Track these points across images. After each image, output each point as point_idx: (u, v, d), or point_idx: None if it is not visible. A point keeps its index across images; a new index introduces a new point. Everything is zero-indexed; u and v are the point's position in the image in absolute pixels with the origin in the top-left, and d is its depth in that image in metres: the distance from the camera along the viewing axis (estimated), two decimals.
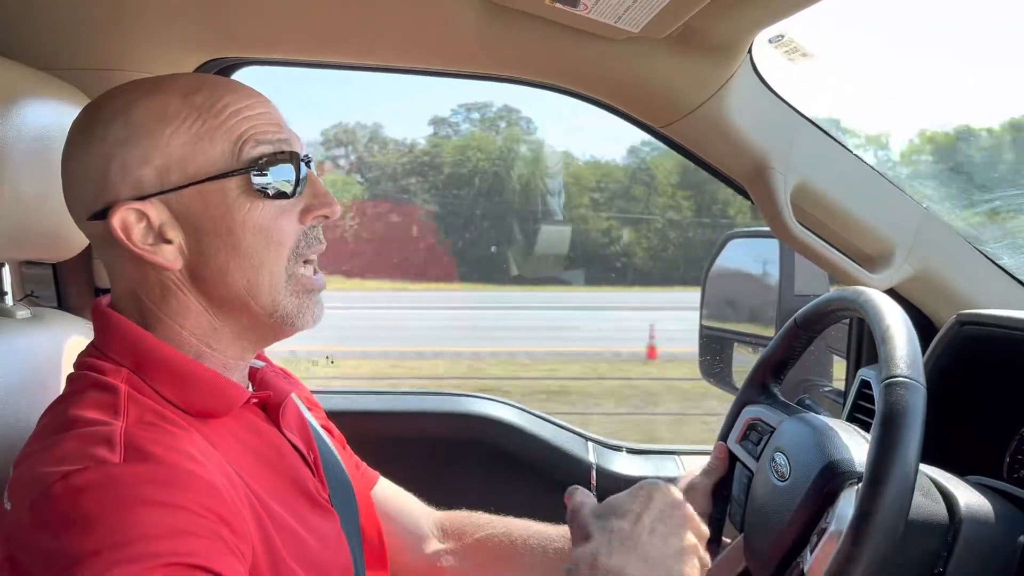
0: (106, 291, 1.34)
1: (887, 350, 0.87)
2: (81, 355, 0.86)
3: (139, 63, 1.30)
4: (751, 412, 1.17)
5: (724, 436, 1.19)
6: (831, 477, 0.92)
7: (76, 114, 1.10)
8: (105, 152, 0.82)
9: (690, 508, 0.86)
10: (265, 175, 0.83)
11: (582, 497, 0.87)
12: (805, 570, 0.88)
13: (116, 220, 0.81)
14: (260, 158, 0.83)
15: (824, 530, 0.88)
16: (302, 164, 0.86)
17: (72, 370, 0.85)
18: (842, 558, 0.79)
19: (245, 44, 1.39)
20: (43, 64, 1.12)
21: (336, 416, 1.15)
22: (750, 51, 1.28)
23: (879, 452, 0.80)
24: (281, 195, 0.84)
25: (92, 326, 1.16)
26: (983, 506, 0.91)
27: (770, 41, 1.24)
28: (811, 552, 0.89)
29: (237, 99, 0.84)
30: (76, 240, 1.13)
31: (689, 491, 1.14)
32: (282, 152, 0.84)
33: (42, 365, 1.04)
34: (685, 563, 0.80)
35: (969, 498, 0.91)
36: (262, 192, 0.83)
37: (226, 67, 1.44)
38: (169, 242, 0.83)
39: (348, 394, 1.85)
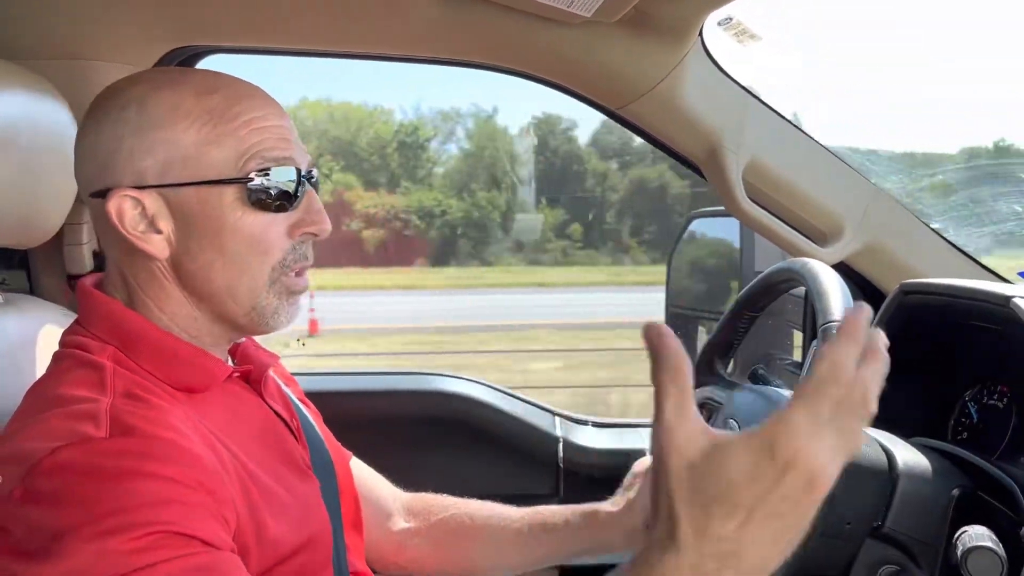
0: (78, 277, 1.36)
1: (823, 302, 0.92)
2: (66, 333, 0.88)
3: (105, 52, 1.32)
4: (700, 393, 1.21)
5: None
6: None
7: (42, 103, 1.12)
8: (116, 136, 0.84)
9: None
10: (263, 188, 0.85)
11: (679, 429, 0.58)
12: None
13: (112, 204, 0.83)
14: (261, 171, 0.85)
15: None
16: (302, 180, 0.88)
17: (46, 353, 0.88)
18: None
19: (210, 32, 1.40)
20: (7, 54, 1.13)
21: (308, 397, 1.17)
22: (701, 34, 1.32)
23: None
24: (275, 208, 0.86)
25: (64, 311, 1.20)
26: (920, 462, 0.96)
27: (719, 23, 1.28)
28: None
29: (252, 107, 0.86)
30: (47, 226, 1.15)
31: (644, 475, 1.18)
32: (283, 167, 0.86)
33: (15, 350, 1.05)
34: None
35: (907, 455, 0.96)
36: (256, 202, 0.85)
37: (192, 55, 1.45)
38: (159, 232, 0.85)
39: (318, 375, 1.88)
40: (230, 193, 0.84)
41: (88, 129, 0.86)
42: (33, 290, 1.39)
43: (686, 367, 0.58)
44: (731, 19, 1.26)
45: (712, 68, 1.36)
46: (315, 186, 0.92)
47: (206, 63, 1.48)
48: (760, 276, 1.16)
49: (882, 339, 0.61)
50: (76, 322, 0.89)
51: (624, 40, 1.27)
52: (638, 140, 1.50)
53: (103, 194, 0.84)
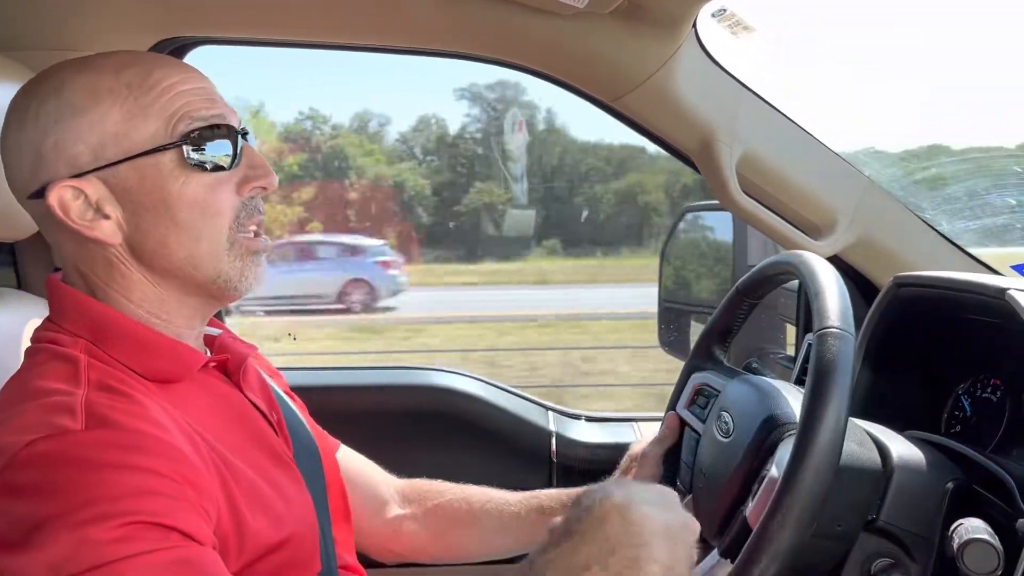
0: None
1: (819, 304, 0.91)
2: (38, 330, 0.88)
3: (90, 42, 1.30)
4: (698, 379, 1.21)
5: (674, 404, 1.23)
6: (771, 429, 0.97)
7: None
8: (40, 131, 0.83)
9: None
10: (199, 149, 0.84)
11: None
12: (747, 515, 0.93)
13: (53, 198, 0.82)
14: (192, 132, 0.84)
15: (764, 477, 0.93)
16: (238, 137, 0.87)
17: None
18: (778, 496, 0.83)
19: (198, 23, 1.39)
20: None
21: (297, 391, 1.17)
22: (695, 25, 1.31)
23: (813, 395, 0.85)
24: (216, 168, 0.86)
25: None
26: (915, 456, 0.96)
27: (713, 15, 1.27)
28: (753, 499, 0.94)
29: (169, 74, 0.85)
30: (31, 220, 1.14)
31: (641, 459, 1.18)
32: (216, 126, 0.85)
33: (1, 345, 1.05)
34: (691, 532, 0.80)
35: (901, 449, 0.96)
36: (197, 166, 0.84)
37: (180, 47, 1.44)
38: (107, 217, 0.84)
39: (309, 370, 1.87)
40: (168, 161, 0.84)
41: (9, 132, 0.85)
42: (20, 284, 1.38)
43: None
44: (725, 10, 1.25)
45: (706, 60, 1.35)
46: (248, 140, 0.91)
47: (195, 54, 1.47)
48: (760, 265, 1.15)
49: None
50: (48, 318, 0.89)
51: (617, 32, 1.27)
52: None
53: (40, 193, 0.83)
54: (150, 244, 0.85)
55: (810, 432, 0.83)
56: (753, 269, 1.16)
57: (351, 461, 1.19)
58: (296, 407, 1.09)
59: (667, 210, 15.62)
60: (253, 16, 1.37)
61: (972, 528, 0.85)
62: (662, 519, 0.76)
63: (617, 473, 1.18)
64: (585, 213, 16.79)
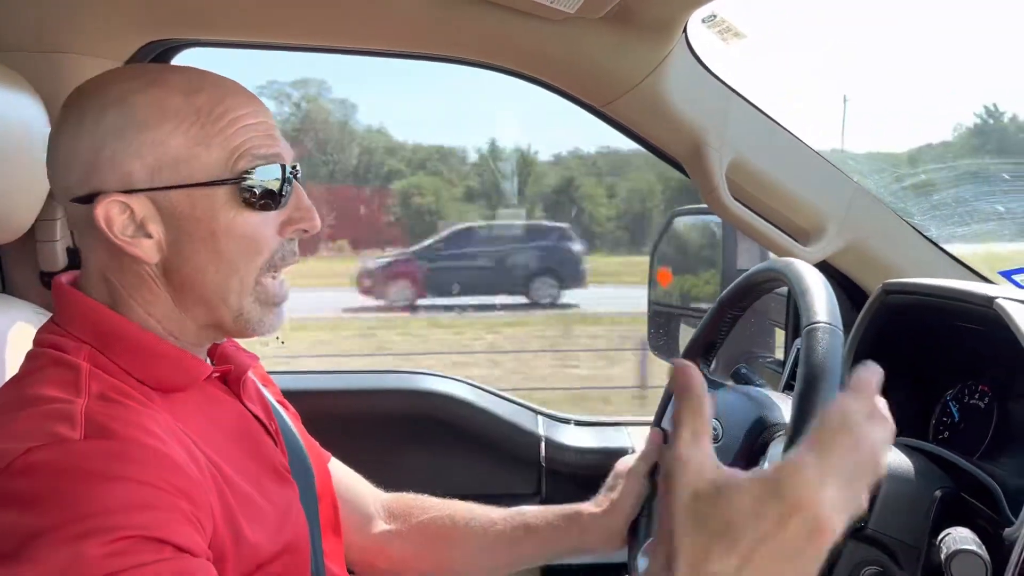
0: (51, 274, 1.34)
1: (806, 302, 0.92)
2: (40, 331, 0.87)
3: (79, 44, 1.29)
4: None
5: (658, 420, 1.22)
6: (761, 430, 0.98)
7: (13, 96, 1.10)
8: (98, 139, 0.81)
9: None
10: (253, 187, 0.84)
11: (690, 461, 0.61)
12: None
13: (100, 210, 0.81)
14: (252, 170, 0.84)
15: None
16: (291, 178, 0.88)
17: (17, 351, 0.86)
18: None
19: (188, 25, 1.38)
20: None
21: (287, 396, 1.16)
22: (685, 30, 1.31)
23: (805, 388, 0.85)
24: (266, 207, 0.85)
25: (36, 309, 1.18)
26: (903, 463, 0.96)
27: (703, 21, 1.27)
28: None
29: (238, 105, 0.84)
30: (19, 222, 1.13)
31: (627, 476, 1.18)
32: (272, 165, 0.85)
33: None
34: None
35: (890, 456, 0.96)
36: (249, 202, 0.84)
37: (169, 48, 1.43)
38: (149, 236, 0.83)
39: (298, 374, 1.87)
40: (222, 194, 0.83)
41: (64, 132, 0.84)
42: (5, 287, 1.37)
43: (707, 404, 0.60)
44: (715, 16, 1.25)
45: (696, 65, 1.35)
46: (300, 181, 0.91)
47: (184, 56, 1.46)
48: (743, 276, 1.15)
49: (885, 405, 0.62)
50: (51, 320, 0.88)
51: (608, 36, 1.27)
52: None
53: (88, 199, 0.82)
54: (187, 269, 0.85)
55: (802, 427, 0.83)
56: (737, 280, 1.16)
57: (339, 474, 1.18)
58: (288, 416, 1.08)
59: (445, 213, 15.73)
60: (241, 19, 1.37)
61: (960, 538, 0.86)
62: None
63: (603, 492, 1.18)
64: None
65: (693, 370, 0.61)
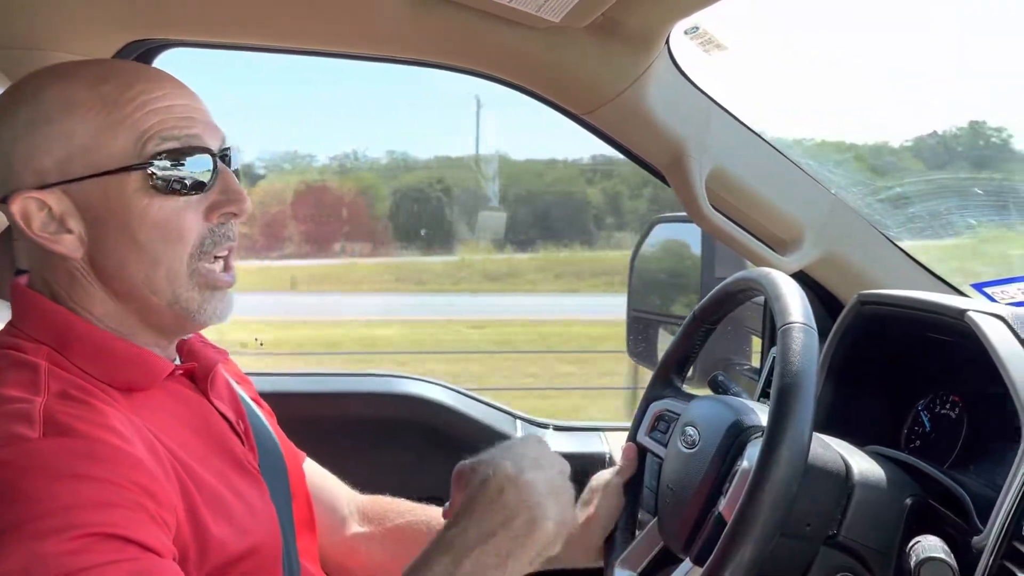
0: (27, 272, 1.33)
1: (780, 305, 0.94)
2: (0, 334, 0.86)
3: (59, 42, 1.28)
4: (657, 406, 1.21)
5: (633, 435, 1.23)
6: (738, 432, 0.99)
7: None
8: (11, 138, 0.81)
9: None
10: (167, 171, 0.82)
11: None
12: (721, 510, 0.94)
13: (16, 208, 0.81)
14: (162, 154, 0.82)
15: (735, 473, 0.95)
16: (215, 159, 0.85)
17: None
18: (754, 481, 0.85)
19: (170, 25, 1.37)
20: None
21: (264, 398, 1.16)
22: (668, 42, 1.32)
23: (782, 385, 0.87)
24: (185, 191, 0.83)
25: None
26: (875, 471, 0.98)
27: (686, 32, 1.28)
28: (725, 496, 0.95)
29: (148, 89, 0.83)
30: None
31: (603, 491, 1.18)
32: (188, 148, 0.83)
33: None
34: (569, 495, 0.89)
35: (862, 464, 0.98)
36: (163, 188, 0.82)
37: (151, 48, 1.42)
38: (70, 232, 0.82)
39: (276, 376, 1.86)
40: (133, 181, 0.82)
41: None
42: None
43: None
44: (698, 28, 1.26)
45: (678, 76, 1.37)
46: (229, 163, 0.88)
47: (165, 57, 1.45)
48: (717, 288, 1.16)
49: None
50: (9, 323, 0.87)
51: (592, 46, 1.27)
52: None
53: (7, 200, 0.82)
54: (110, 263, 0.84)
55: (782, 419, 0.85)
56: (712, 291, 1.17)
57: (314, 475, 1.18)
58: (264, 415, 1.08)
59: None
60: (224, 20, 1.36)
61: (929, 547, 0.87)
62: (545, 478, 0.85)
63: (579, 505, 1.18)
64: None
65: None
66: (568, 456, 1.70)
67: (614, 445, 1.74)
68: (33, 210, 0.81)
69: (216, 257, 0.87)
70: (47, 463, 0.70)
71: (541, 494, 0.83)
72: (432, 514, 1.19)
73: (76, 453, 0.71)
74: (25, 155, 0.81)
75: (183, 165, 0.83)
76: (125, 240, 0.83)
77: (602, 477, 1.20)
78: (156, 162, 0.82)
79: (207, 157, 0.85)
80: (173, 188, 0.83)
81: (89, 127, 0.81)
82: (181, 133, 0.83)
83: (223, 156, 0.87)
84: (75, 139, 0.81)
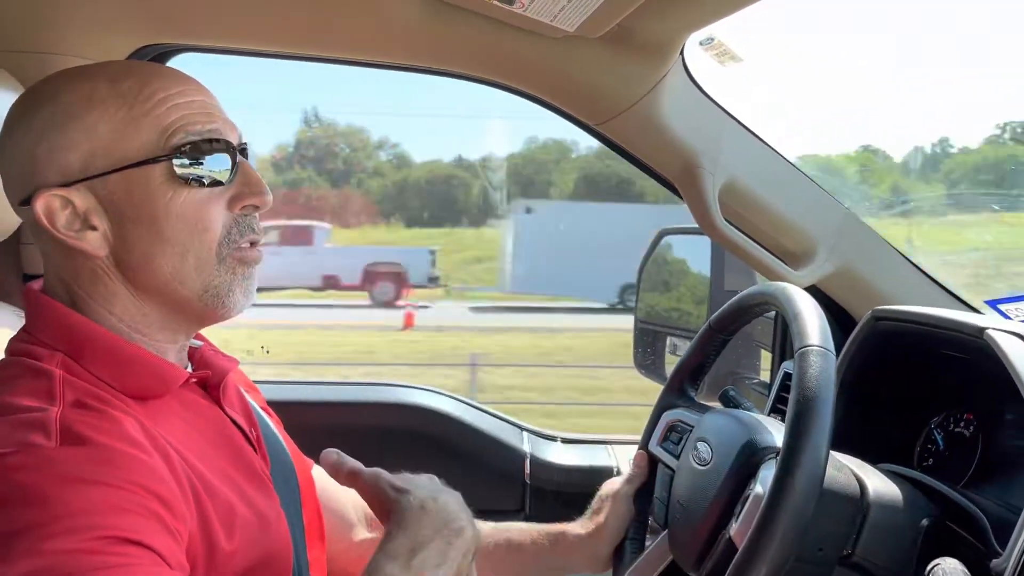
0: (35, 277, 1.32)
1: (799, 325, 0.92)
2: (12, 340, 0.85)
3: (72, 47, 1.28)
4: (671, 415, 1.21)
5: (645, 443, 1.22)
6: (751, 453, 0.97)
7: (4, 96, 1.08)
8: (33, 138, 0.81)
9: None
10: (190, 163, 0.83)
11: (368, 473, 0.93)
12: (732, 535, 0.92)
13: (40, 206, 0.80)
14: (185, 146, 0.82)
15: (748, 497, 0.93)
16: (234, 153, 0.86)
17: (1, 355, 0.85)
18: (766, 511, 0.83)
19: (182, 30, 1.38)
20: None
21: (271, 406, 1.15)
22: (682, 52, 1.32)
23: (797, 412, 0.85)
24: (209, 183, 0.84)
25: (20, 312, 1.15)
26: (890, 491, 0.96)
27: (701, 44, 1.28)
28: (736, 520, 0.93)
29: (167, 86, 0.84)
30: (3, 224, 1.11)
31: (612, 499, 1.17)
32: (210, 140, 0.84)
33: None
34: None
35: (878, 483, 0.96)
36: (187, 180, 0.83)
37: (163, 53, 1.42)
38: (94, 229, 0.82)
39: (283, 384, 1.85)
40: (157, 174, 0.82)
41: (7, 137, 0.84)
42: None
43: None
44: (713, 39, 1.26)
45: (692, 88, 1.36)
46: (247, 156, 0.89)
47: (177, 62, 1.45)
48: (733, 299, 1.15)
49: None
50: (23, 328, 0.86)
51: (606, 56, 1.27)
52: None
53: (29, 200, 0.81)
54: (135, 258, 0.83)
55: (796, 446, 0.84)
56: (727, 303, 1.16)
57: (321, 480, 1.17)
58: (272, 423, 1.07)
59: None
60: (236, 26, 1.36)
61: (949, 570, 0.86)
62: (453, 498, 0.91)
63: (588, 514, 1.18)
64: None
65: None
66: (575, 469, 1.73)
67: (621, 458, 1.73)
68: (57, 208, 0.81)
69: (241, 247, 0.88)
70: (62, 470, 0.69)
71: (456, 508, 0.89)
72: None
73: (92, 460, 0.70)
74: (48, 153, 0.81)
75: (205, 158, 0.84)
76: (151, 233, 0.83)
77: (612, 485, 1.19)
78: (180, 154, 0.82)
79: (229, 150, 0.86)
80: (196, 180, 0.83)
81: (112, 122, 0.81)
82: (203, 128, 0.84)
83: (241, 150, 0.88)
84: (99, 134, 0.81)
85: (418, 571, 0.81)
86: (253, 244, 0.89)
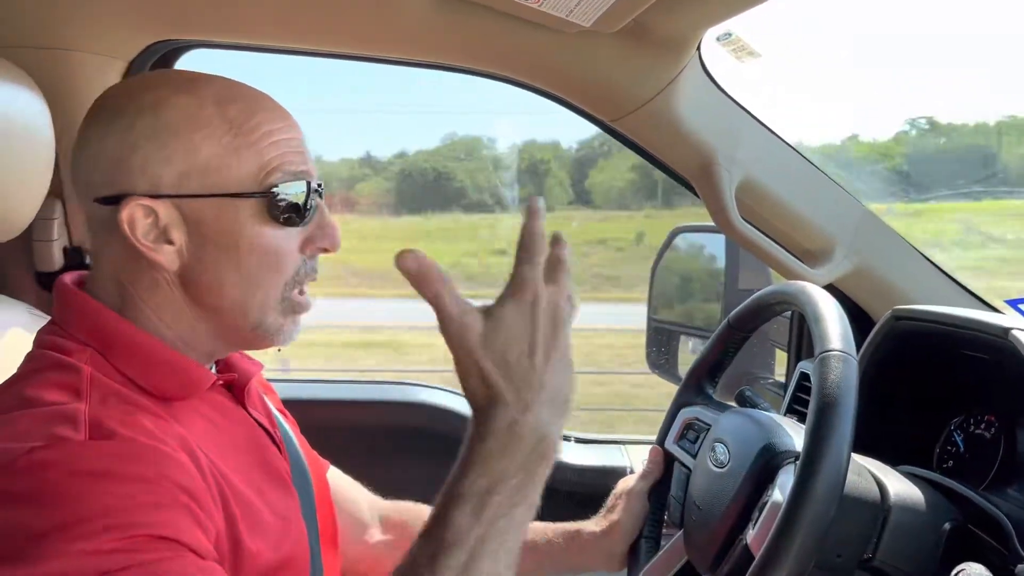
0: (46, 274, 1.32)
1: (820, 328, 0.91)
2: (41, 332, 0.85)
3: (84, 41, 1.28)
4: (688, 413, 1.20)
5: (661, 439, 1.21)
6: (770, 457, 0.96)
7: (16, 92, 1.08)
8: (129, 142, 0.81)
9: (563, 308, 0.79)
10: (282, 202, 0.84)
11: (463, 314, 0.76)
12: (748, 542, 0.91)
13: (125, 213, 0.80)
14: (280, 185, 0.83)
15: (765, 503, 0.92)
16: (317, 196, 0.87)
17: (9, 351, 0.85)
18: (784, 520, 0.82)
19: (194, 26, 1.37)
20: None
21: (285, 405, 1.15)
22: (699, 48, 1.30)
23: (818, 419, 0.84)
24: (290, 222, 0.85)
25: (30, 309, 1.15)
26: (912, 494, 0.95)
27: (718, 39, 1.26)
28: (753, 526, 0.92)
29: (270, 119, 0.84)
30: (17, 221, 1.11)
31: (627, 496, 1.17)
32: (301, 181, 0.85)
33: None
34: (573, 387, 0.80)
35: (898, 486, 0.95)
36: (275, 218, 0.84)
37: (175, 49, 1.42)
38: (171, 243, 0.82)
39: (297, 383, 1.85)
40: (249, 207, 0.83)
41: (95, 131, 0.83)
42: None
43: (442, 274, 0.74)
44: (730, 35, 1.24)
45: (709, 83, 1.35)
46: (322, 197, 0.90)
47: (189, 57, 1.45)
48: (752, 297, 1.14)
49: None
50: (52, 322, 0.86)
51: (622, 52, 1.26)
52: None
53: (113, 200, 0.81)
54: (206, 279, 0.84)
55: (816, 455, 0.83)
56: (746, 301, 1.15)
57: (335, 481, 1.16)
58: (288, 424, 1.06)
59: None
60: (247, 22, 1.36)
61: (975, 575, 0.84)
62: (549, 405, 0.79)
63: (603, 512, 1.17)
64: None
65: (422, 258, 0.74)
66: (589, 469, 1.71)
67: (635, 458, 1.72)
68: (139, 216, 0.81)
69: (302, 289, 0.89)
70: (92, 465, 0.69)
71: (547, 418, 0.78)
72: None
73: (121, 455, 0.70)
74: (143, 163, 0.81)
75: (293, 197, 0.85)
76: (228, 261, 0.83)
77: (627, 482, 1.19)
78: (275, 192, 0.83)
79: (308, 191, 0.86)
80: (280, 219, 0.84)
81: (216, 147, 0.82)
82: (297, 169, 0.85)
83: (318, 192, 0.89)
84: (199, 156, 0.81)
85: (489, 523, 0.75)
86: (303, 290, 0.90)
